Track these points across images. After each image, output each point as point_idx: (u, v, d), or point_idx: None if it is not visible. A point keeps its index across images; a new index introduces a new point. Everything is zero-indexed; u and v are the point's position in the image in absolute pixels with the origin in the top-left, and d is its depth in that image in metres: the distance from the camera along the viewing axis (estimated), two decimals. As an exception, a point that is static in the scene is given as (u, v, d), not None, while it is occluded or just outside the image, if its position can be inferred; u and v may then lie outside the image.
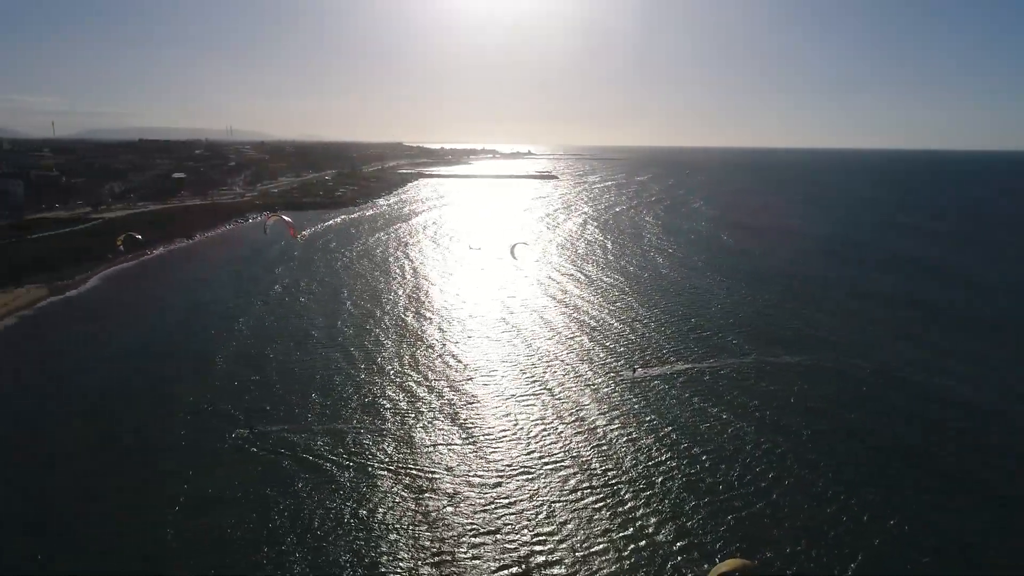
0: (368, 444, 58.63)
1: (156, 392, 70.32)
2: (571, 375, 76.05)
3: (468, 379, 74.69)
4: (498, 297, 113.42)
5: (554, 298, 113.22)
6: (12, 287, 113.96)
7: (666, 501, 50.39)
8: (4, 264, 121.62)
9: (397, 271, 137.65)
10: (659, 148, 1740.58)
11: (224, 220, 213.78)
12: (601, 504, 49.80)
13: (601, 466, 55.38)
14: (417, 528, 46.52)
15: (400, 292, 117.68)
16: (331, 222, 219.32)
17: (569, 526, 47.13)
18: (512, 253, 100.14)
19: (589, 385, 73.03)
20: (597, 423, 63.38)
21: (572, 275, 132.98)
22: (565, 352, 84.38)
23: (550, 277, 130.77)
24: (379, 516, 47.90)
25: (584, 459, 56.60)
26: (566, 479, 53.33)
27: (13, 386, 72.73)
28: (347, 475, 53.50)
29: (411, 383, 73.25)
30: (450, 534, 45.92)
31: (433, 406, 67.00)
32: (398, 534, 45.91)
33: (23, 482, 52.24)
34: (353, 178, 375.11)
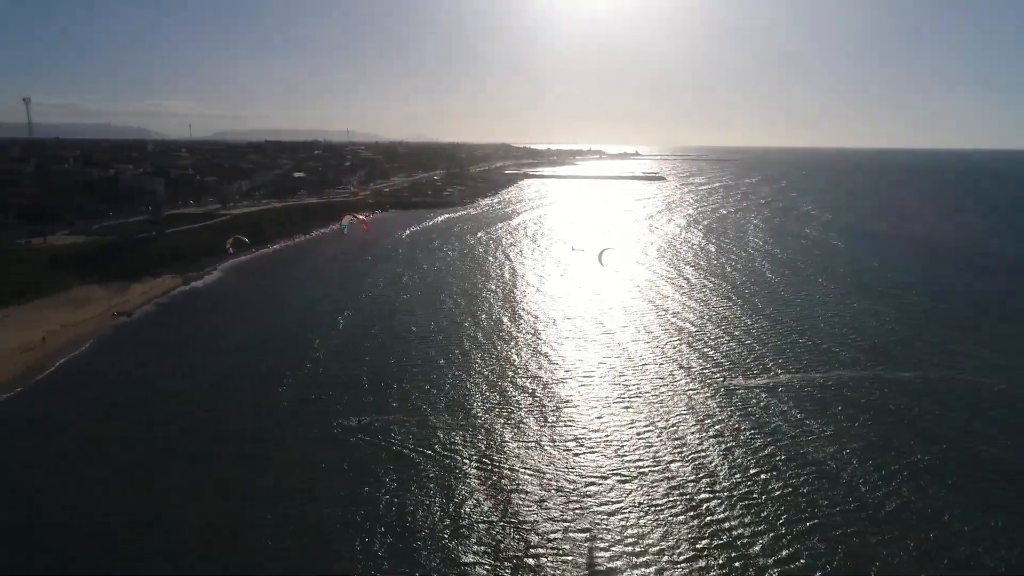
0: (461, 440, 60.13)
1: (266, 378, 75.00)
2: (667, 381, 74.86)
3: (561, 381, 75.03)
4: (596, 299, 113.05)
5: (653, 302, 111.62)
6: (150, 276, 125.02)
7: (762, 517, 48.73)
8: (145, 255, 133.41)
9: (497, 270, 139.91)
10: (772, 149, 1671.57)
11: (339, 217, 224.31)
12: (694, 515, 48.82)
13: (696, 476, 54.25)
14: (504, 527, 47.12)
15: (498, 291, 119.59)
16: (437, 220, 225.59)
17: (658, 534, 46.52)
18: (600, 259, 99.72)
19: (686, 392, 71.63)
20: (693, 432, 62.11)
21: (672, 279, 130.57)
22: (662, 357, 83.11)
23: (649, 281, 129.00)
24: (467, 512, 48.88)
25: (678, 468, 55.65)
26: (658, 487, 52.59)
27: (138, 367, 79.76)
28: (440, 469, 55.05)
29: (505, 383, 74.41)
30: (537, 536, 46.22)
31: (525, 406, 67.79)
32: (485, 532, 46.66)
33: (132, 465, 57.00)
34: (461, 178, 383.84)
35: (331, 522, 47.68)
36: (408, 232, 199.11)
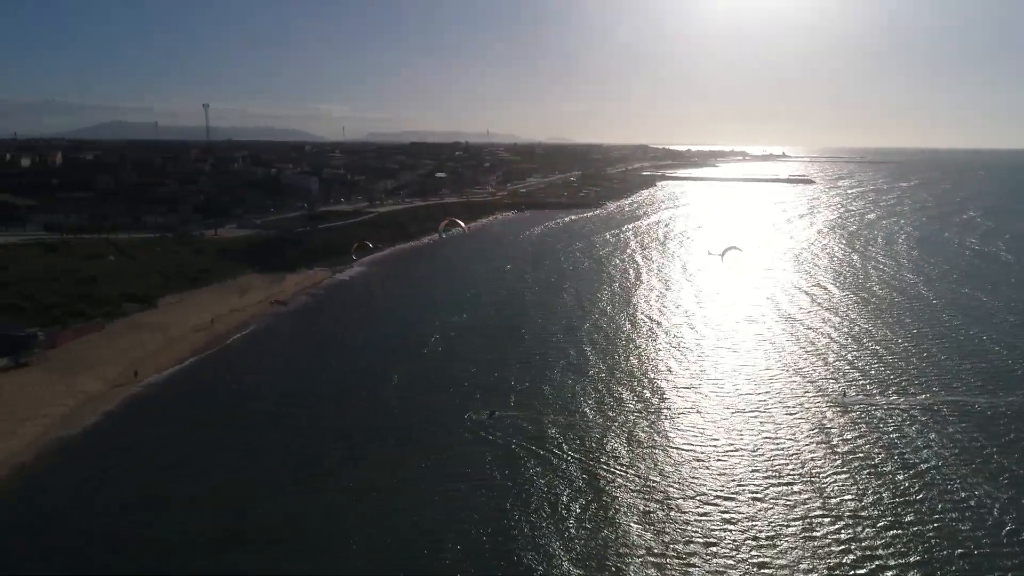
0: (575, 443, 61.02)
1: (397, 368, 79.90)
2: (797, 397, 71.95)
3: (681, 391, 73.83)
4: (727, 307, 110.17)
5: (787, 313, 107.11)
6: (304, 268, 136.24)
7: (913, 547, 45.59)
8: (300, 249, 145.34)
9: (624, 273, 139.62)
10: (934, 150, 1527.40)
11: (476, 216, 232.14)
12: (817, 545, 46.24)
13: (821, 502, 51.15)
14: (606, 538, 46.93)
15: (623, 294, 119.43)
16: (570, 221, 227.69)
17: (794, 555, 44.79)
18: (722, 258, 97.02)
19: (817, 410, 68.50)
20: (821, 454, 59.23)
21: (810, 289, 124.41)
22: (793, 372, 79.90)
23: (784, 290, 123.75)
24: (571, 519, 49.02)
25: (819, 486, 53.10)
26: (795, 504, 50.37)
27: (291, 350, 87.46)
28: (569, 467, 56.03)
29: (622, 388, 74.48)
30: (639, 551, 45.65)
31: (641, 414, 67.54)
32: (585, 540, 46.65)
33: (270, 452, 62.95)
34: (596, 180, 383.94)
35: (469, 510, 50.13)
36: (541, 232, 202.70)
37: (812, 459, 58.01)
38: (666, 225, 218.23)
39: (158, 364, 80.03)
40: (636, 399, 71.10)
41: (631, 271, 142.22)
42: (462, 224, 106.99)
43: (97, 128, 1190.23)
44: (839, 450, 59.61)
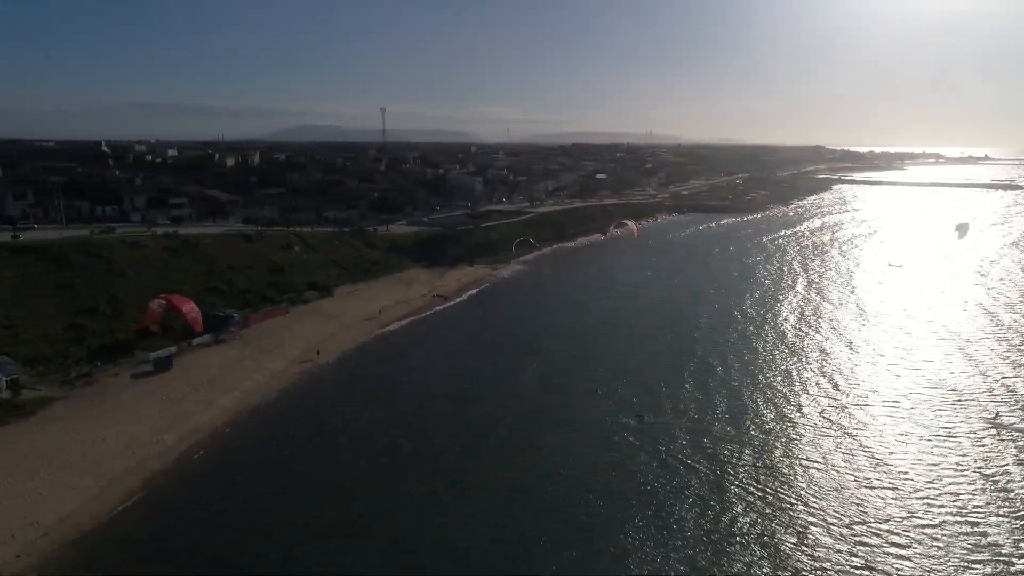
0: (730, 454, 58.72)
1: (549, 364, 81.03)
2: (992, 420, 64.26)
3: (849, 407, 68.51)
4: (907, 321, 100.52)
5: (981, 327, 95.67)
6: (466, 264, 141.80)
7: None
8: (463, 246, 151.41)
9: (791, 280, 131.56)
10: None
11: (634, 218, 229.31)
12: None
13: (1014, 543, 46.05)
14: (759, 557, 45.25)
15: (790, 303, 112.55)
16: (734, 224, 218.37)
17: None
18: (958, 231, 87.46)
19: (1017, 437, 60.92)
20: (1019, 485, 52.75)
21: (1012, 304, 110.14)
22: (988, 393, 71.37)
23: (979, 303, 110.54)
24: (721, 532, 47.62)
25: (991, 527, 47.68)
26: (961, 549, 45.82)
27: (446, 342, 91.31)
28: (721, 482, 54.46)
29: (783, 400, 70.47)
30: (821, 568, 43.63)
31: (804, 429, 63.51)
32: (763, 552, 45.36)
33: (415, 444, 65.86)
34: (764, 182, 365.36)
35: (592, 515, 50.33)
36: (702, 235, 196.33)
37: (1006, 490, 51.66)
38: (844, 233, 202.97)
39: (332, 347, 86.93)
40: (797, 414, 67.03)
41: (802, 280, 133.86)
42: (632, 225, 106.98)
43: (290, 131, 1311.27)
44: (1038, 491, 52.57)
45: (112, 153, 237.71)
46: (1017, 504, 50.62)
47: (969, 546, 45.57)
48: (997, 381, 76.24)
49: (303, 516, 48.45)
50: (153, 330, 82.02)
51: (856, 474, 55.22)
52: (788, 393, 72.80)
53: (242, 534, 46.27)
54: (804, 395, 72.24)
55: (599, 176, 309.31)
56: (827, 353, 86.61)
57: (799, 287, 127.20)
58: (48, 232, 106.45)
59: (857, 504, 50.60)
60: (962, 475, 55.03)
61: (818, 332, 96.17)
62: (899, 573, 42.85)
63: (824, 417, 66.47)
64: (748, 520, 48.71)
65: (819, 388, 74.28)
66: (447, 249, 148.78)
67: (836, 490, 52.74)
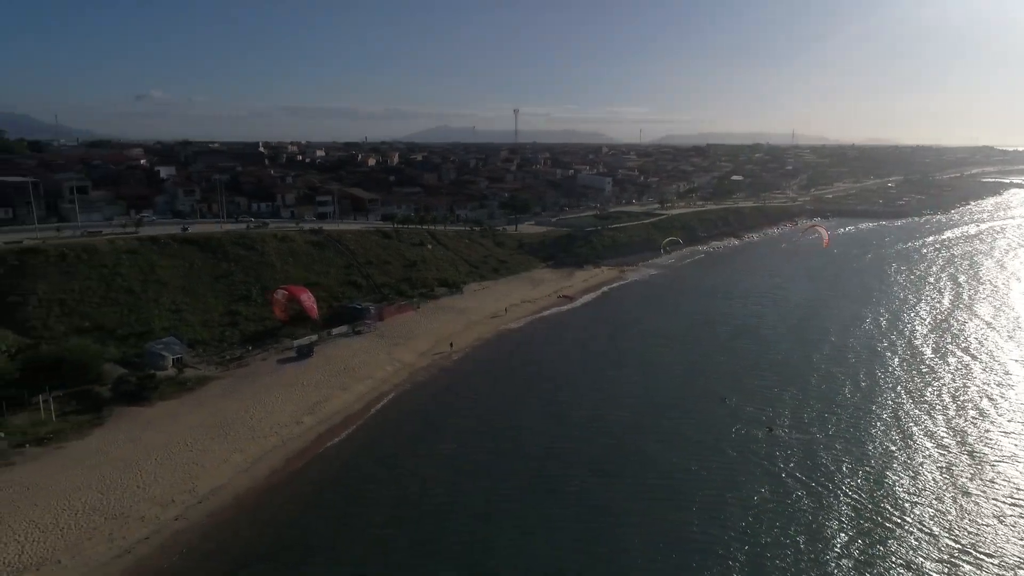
0: (848, 473, 54.65)
1: (676, 370, 78.94)
2: None
3: (991, 434, 61.72)
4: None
5: None
6: (592, 266, 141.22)
7: None
8: (590, 247, 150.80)
9: (938, 294, 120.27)
10: None
11: (771, 223, 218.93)
12: None
13: None
14: None
15: (934, 319, 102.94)
16: (880, 229, 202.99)
17: None
18: None
19: None
20: None
21: None
22: None
23: None
24: (876, 560, 44.66)
25: None
26: None
27: (569, 343, 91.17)
28: (814, 501, 51.11)
29: (913, 422, 64.47)
30: None
31: (935, 455, 57.79)
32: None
33: (548, 424, 65.78)
34: (920, 186, 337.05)
35: (738, 528, 48.53)
36: (841, 240, 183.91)
37: None
38: (997, 241, 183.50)
39: (460, 342, 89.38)
40: (944, 436, 61.23)
41: (950, 294, 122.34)
42: (823, 232, 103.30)
43: (427, 132, 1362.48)
44: None
45: (268, 154, 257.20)
46: None
47: None
48: None
49: (430, 498, 50.20)
50: (280, 317, 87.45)
51: (999, 506, 49.69)
52: (928, 415, 66.70)
53: (372, 511, 48.61)
54: (946, 419, 65.89)
55: (735, 178, 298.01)
56: (973, 374, 78.62)
57: (946, 299, 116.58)
58: (211, 226, 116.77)
59: (979, 539, 45.53)
60: None
61: (965, 351, 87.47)
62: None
63: (965, 443, 60.35)
64: (899, 551, 45.11)
65: (962, 412, 67.49)
66: (574, 250, 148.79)
67: (987, 521, 47.71)
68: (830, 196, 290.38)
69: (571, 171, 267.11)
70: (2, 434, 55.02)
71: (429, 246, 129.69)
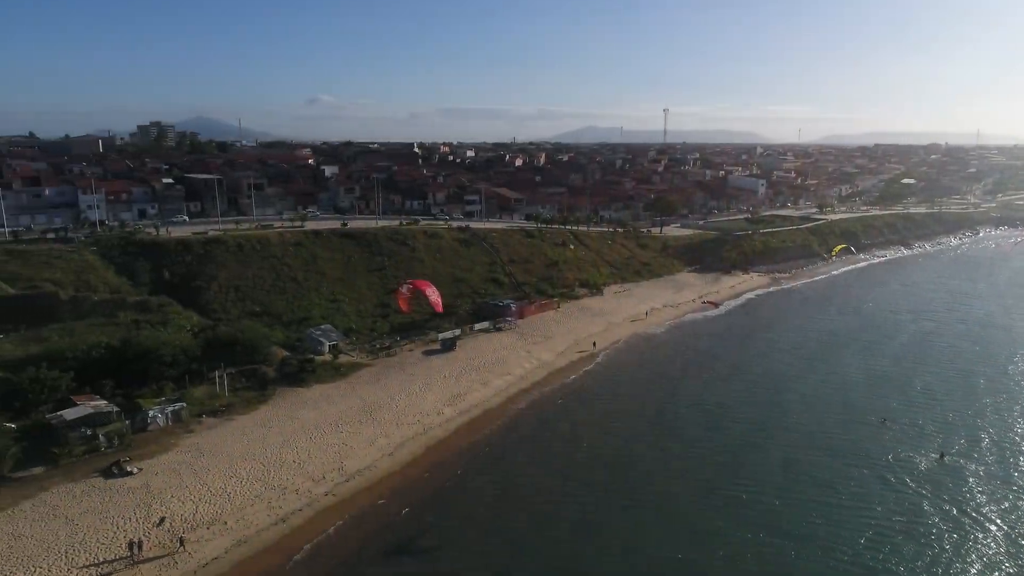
0: (1005, 516, 48.15)
1: (826, 392, 73.67)
2: None
3: None
4: None
5: None
6: (741, 272, 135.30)
7: None
8: (739, 252, 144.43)
9: None
10: None
11: (948, 231, 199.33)
12: None
13: None
14: None
15: None
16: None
17: None
18: None
19: None
20: None
21: None
22: None
23: None
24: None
25: None
26: None
27: (710, 353, 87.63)
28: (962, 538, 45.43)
29: None
30: None
31: None
32: None
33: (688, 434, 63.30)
34: None
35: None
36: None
37: None
38: None
39: (599, 344, 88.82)
40: None
41: None
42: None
43: (575, 133, 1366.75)
44: None
45: (422, 154, 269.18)
46: None
47: None
48: None
49: (570, 499, 50.35)
50: (404, 310, 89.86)
51: None
52: None
53: (511, 507, 49.49)
54: None
55: (906, 181, 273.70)
56: None
57: None
58: (368, 221, 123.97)
59: None
60: None
61: None
62: None
63: None
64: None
65: None
66: (722, 254, 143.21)
67: None
68: (1021, 203, 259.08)
69: (721, 172, 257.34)
70: (185, 404, 61.50)
71: (571, 246, 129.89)
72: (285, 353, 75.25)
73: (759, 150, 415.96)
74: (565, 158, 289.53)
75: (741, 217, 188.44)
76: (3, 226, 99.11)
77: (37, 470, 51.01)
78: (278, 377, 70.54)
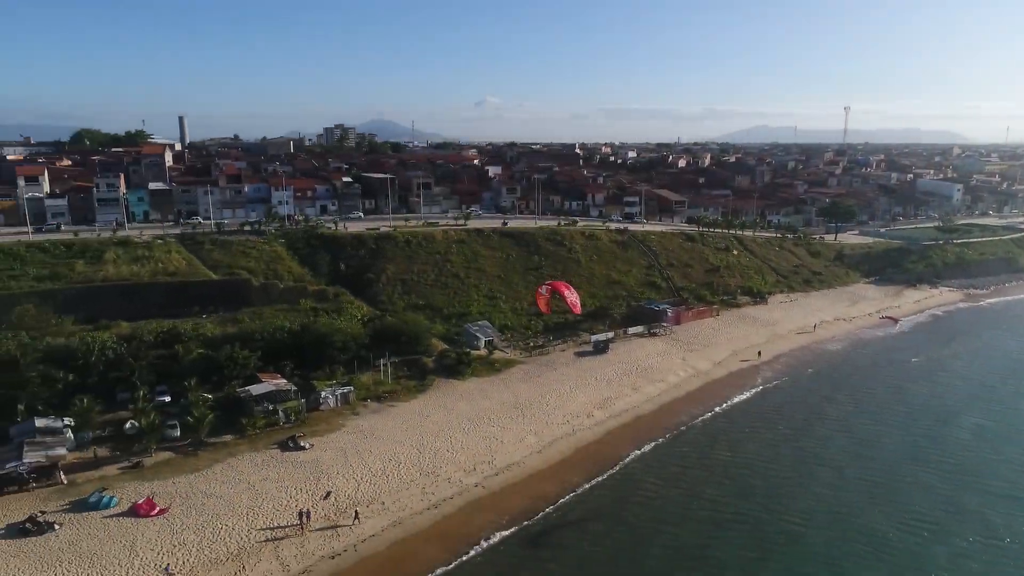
0: None
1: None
2: None
3: None
4: None
5: None
6: (927, 286, 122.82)
7: None
8: (927, 263, 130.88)
9: None
10: None
11: None
12: None
13: None
14: None
15: None
16: None
17: None
18: None
19: None
20: None
21: None
22: None
23: None
24: None
25: None
26: None
27: (884, 374, 79.85)
28: None
29: None
30: None
31: None
32: None
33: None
34: None
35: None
36: None
37: None
38: None
39: (764, 355, 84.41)
40: None
41: None
42: None
43: (743, 133, 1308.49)
44: None
45: (583, 155, 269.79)
46: None
47: None
48: None
49: (719, 531, 48.40)
50: (544, 311, 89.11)
51: None
52: None
53: (662, 524, 48.40)
54: None
55: None
56: None
57: None
58: (527, 221, 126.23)
59: None
60: None
61: None
62: None
63: None
64: None
65: None
66: (906, 265, 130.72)
67: None
68: None
69: (909, 176, 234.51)
70: (353, 388, 66.03)
71: (735, 251, 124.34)
72: (443, 346, 78.50)
73: (956, 151, 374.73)
74: (731, 159, 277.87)
75: (931, 225, 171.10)
76: (210, 219, 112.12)
77: (227, 437, 57.09)
78: (436, 368, 73.74)
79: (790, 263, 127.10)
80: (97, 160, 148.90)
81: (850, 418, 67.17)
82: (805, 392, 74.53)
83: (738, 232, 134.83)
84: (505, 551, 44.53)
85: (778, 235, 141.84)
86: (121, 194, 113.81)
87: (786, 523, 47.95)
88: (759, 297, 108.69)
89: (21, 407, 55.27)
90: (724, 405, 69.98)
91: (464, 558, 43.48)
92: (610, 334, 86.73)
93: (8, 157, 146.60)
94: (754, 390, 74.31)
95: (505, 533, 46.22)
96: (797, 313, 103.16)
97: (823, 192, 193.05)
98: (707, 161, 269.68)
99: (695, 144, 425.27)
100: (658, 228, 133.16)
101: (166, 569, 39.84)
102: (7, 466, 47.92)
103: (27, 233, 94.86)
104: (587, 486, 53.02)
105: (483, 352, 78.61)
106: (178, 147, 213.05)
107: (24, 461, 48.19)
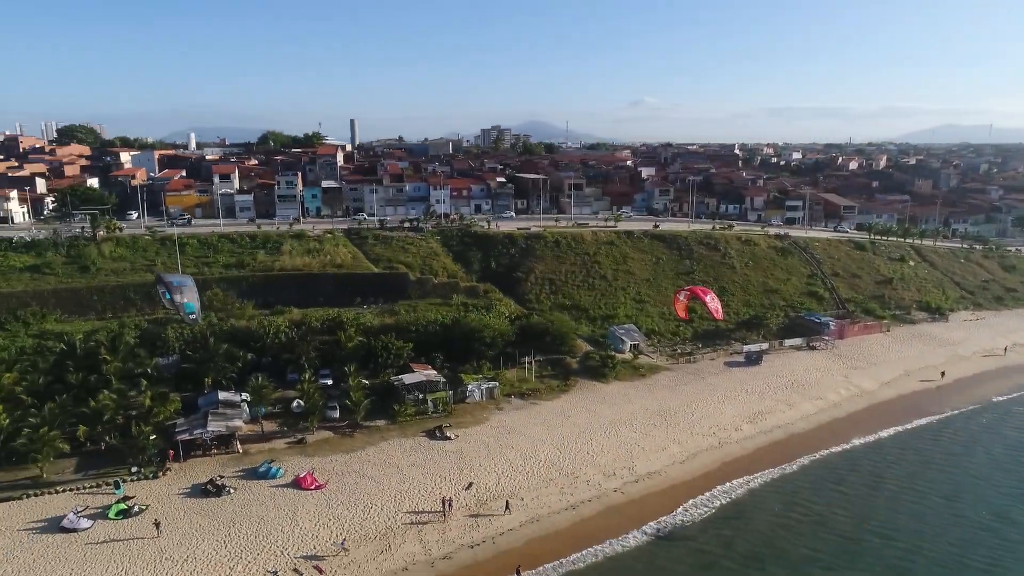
0: None
1: None
2: None
3: None
4: None
5: None
6: None
7: None
8: None
9: None
10: None
11: None
12: None
13: None
14: None
15: None
16: None
17: None
18: None
19: None
20: None
21: None
22: None
23: None
24: None
25: None
26: None
27: None
28: None
29: None
30: None
31: None
32: None
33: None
34: None
35: None
36: None
37: None
38: None
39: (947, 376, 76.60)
40: None
41: None
42: None
43: (928, 132, 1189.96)
44: None
45: (743, 156, 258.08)
46: None
47: None
48: None
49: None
50: (682, 317, 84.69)
51: None
52: None
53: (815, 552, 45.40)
54: None
55: None
56: None
57: None
58: (680, 224, 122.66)
59: None
60: None
61: None
62: None
63: None
64: None
65: None
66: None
67: None
68: None
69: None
70: (498, 383, 67.53)
71: (911, 262, 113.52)
72: (588, 347, 78.22)
73: None
74: (911, 161, 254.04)
75: None
76: (374, 215, 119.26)
77: (380, 422, 60.46)
78: (580, 369, 73.69)
79: (978, 277, 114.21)
80: (279, 160, 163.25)
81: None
82: (996, 424, 66.54)
83: (916, 241, 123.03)
84: (641, 557, 43.61)
85: (964, 246, 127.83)
86: (298, 191, 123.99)
87: None
88: (938, 313, 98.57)
89: (207, 380, 61.89)
90: (891, 430, 64.07)
91: (600, 559, 43.15)
92: (764, 345, 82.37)
93: (207, 157, 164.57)
94: (933, 417, 67.30)
95: (642, 541, 45.28)
96: (984, 334, 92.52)
97: (1022, 199, 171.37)
98: (882, 163, 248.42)
99: (869, 144, 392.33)
100: (823, 235, 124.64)
101: (342, 544, 42.67)
102: (195, 432, 53.80)
103: (219, 225, 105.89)
104: (729, 501, 50.72)
105: (628, 356, 77.50)
106: (349, 148, 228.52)
107: (208, 429, 53.88)
